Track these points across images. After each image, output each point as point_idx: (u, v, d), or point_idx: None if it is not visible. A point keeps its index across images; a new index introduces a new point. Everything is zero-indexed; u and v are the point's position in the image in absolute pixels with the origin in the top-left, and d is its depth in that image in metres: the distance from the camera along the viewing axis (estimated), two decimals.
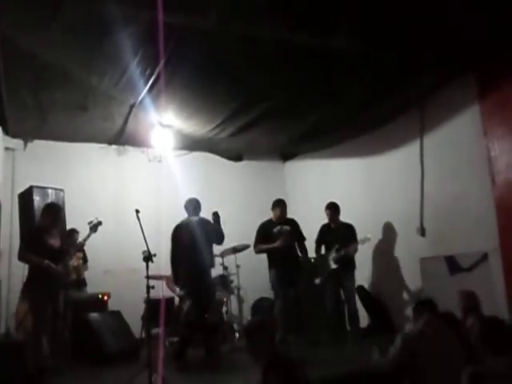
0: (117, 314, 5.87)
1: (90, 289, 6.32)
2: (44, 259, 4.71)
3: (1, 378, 3.99)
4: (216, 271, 6.26)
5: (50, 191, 5.93)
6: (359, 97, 5.47)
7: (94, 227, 5.11)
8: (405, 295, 6.14)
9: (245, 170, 8.36)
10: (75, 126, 6.34)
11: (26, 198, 5.89)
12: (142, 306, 5.63)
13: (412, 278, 5.99)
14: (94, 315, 5.59)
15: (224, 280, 6.55)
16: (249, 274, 6.80)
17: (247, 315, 6.89)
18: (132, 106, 5.70)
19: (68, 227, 5.92)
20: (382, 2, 3.72)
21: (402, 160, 6.29)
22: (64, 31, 3.97)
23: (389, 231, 6.40)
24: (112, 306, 6.12)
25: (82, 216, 5.54)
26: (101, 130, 6.66)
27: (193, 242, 5.21)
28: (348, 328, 6.00)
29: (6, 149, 6.56)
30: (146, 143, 6.99)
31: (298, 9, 3.77)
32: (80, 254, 6.16)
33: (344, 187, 7.17)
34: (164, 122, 6.28)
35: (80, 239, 5.50)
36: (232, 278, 6.69)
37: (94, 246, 5.59)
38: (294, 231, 5.99)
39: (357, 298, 6.14)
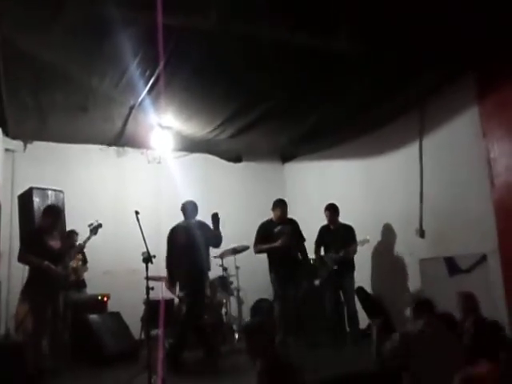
0: (116, 315, 5.87)
1: (90, 290, 6.32)
2: (44, 260, 4.71)
3: (1, 379, 3.99)
4: (216, 272, 6.28)
5: (49, 192, 5.93)
6: (359, 97, 5.47)
7: (95, 229, 5.12)
8: (404, 296, 6.13)
9: (244, 172, 8.36)
10: (75, 127, 6.35)
11: (25, 199, 5.89)
12: (142, 307, 5.63)
13: (411, 279, 5.99)
14: (93, 316, 5.59)
15: (223, 281, 6.54)
16: (248, 276, 6.78)
17: (247, 316, 6.86)
18: (132, 108, 5.71)
19: (68, 228, 5.93)
20: (381, 3, 3.72)
21: (402, 161, 6.29)
22: (64, 32, 3.98)
23: (388, 232, 6.40)
24: (111, 307, 6.12)
25: (82, 217, 5.57)
26: (101, 132, 6.68)
27: (190, 243, 5.20)
28: (347, 329, 6.00)
29: (6, 150, 6.56)
30: (145, 144, 7.00)
31: (298, 9, 3.77)
32: (79, 256, 6.15)
33: (343, 188, 7.16)
34: (164, 124, 6.29)
35: (80, 241, 5.48)
36: (231, 279, 6.67)
37: (93, 247, 5.58)
38: (295, 232, 5.99)
39: (356, 299, 6.13)
